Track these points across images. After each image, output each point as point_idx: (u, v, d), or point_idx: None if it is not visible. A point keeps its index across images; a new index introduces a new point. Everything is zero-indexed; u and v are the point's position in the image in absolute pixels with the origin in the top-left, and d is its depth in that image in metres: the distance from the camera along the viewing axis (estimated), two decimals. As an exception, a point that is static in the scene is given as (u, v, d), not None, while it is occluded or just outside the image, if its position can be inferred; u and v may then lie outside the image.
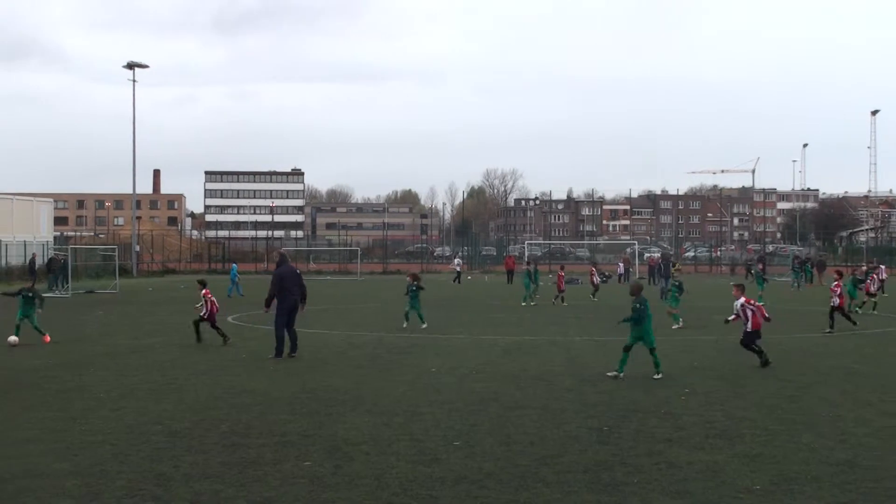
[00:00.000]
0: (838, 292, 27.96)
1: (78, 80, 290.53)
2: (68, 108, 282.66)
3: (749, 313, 19.55)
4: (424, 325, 28.20)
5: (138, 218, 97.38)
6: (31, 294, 24.25)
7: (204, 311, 23.88)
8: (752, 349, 19.58)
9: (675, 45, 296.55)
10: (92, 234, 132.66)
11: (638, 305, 17.90)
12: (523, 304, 39.77)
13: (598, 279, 47.43)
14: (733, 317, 20.20)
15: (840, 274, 29.96)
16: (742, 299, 19.80)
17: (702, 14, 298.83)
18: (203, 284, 24.51)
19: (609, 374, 17.73)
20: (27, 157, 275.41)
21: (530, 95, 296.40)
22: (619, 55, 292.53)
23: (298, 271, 22.00)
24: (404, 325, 28.35)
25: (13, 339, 23.16)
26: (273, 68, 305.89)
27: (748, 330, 19.55)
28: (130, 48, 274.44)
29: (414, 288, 28.89)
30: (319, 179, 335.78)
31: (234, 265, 50.11)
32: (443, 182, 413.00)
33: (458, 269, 69.25)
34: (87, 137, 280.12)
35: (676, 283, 30.93)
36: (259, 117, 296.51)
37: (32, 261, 58.32)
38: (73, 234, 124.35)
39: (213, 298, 24.03)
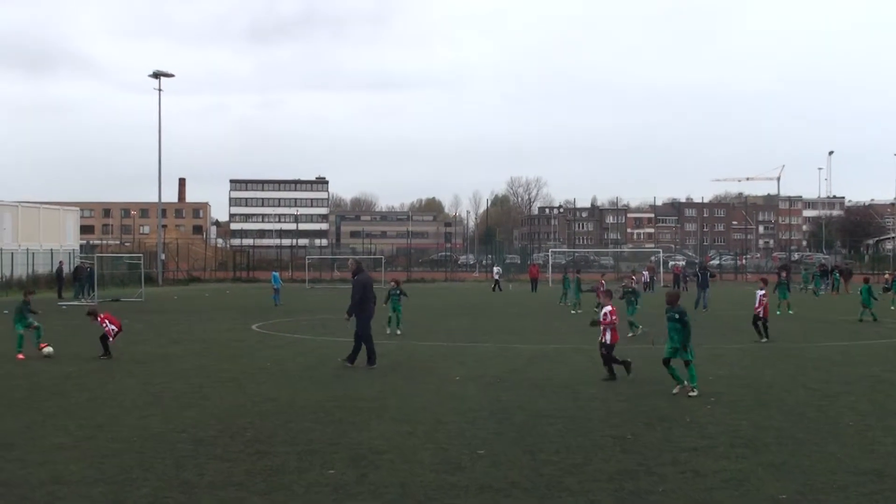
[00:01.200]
0: (765, 302, 27.74)
1: (106, 89, 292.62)
2: (97, 117, 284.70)
3: (609, 326, 18.45)
4: (399, 332, 28.79)
5: (164, 226, 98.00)
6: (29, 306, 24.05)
7: (111, 330, 23.20)
8: (615, 362, 18.52)
9: (701, 53, 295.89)
10: (118, 242, 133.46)
11: (677, 315, 17.03)
12: (572, 312, 39.98)
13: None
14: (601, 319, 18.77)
15: (765, 282, 30.05)
16: (609, 307, 18.68)
17: (729, 22, 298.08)
18: (94, 314, 23.73)
19: (673, 391, 16.63)
20: (54, 166, 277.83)
21: (555, 103, 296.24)
22: (645, 63, 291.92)
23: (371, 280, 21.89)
24: (388, 332, 28.72)
25: (49, 350, 23.14)
26: (299, 77, 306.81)
27: (608, 343, 18.40)
28: (159, 57, 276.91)
29: (396, 293, 29.57)
30: (344, 188, 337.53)
31: (275, 273, 50.23)
32: (467, 190, 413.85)
33: (496, 277, 69.50)
34: (114, 146, 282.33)
35: (630, 290, 30.98)
36: (285, 126, 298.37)
37: (60, 269, 58.72)
38: (99, 242, 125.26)
39: (109, 319, 23.40)
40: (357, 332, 20.94)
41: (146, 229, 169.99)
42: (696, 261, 61.30)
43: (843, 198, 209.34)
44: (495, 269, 76.04)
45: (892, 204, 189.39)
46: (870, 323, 33.83)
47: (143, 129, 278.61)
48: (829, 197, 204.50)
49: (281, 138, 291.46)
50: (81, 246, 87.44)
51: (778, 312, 36.93)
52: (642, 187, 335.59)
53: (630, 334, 27.71)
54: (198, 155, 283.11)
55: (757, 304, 27.29)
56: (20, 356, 22.74)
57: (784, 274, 43.88)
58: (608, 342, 18.47)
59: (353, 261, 22.71)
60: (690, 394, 16.45)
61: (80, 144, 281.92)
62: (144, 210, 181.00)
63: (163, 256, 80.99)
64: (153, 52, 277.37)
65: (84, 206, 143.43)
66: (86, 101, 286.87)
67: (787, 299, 39.43)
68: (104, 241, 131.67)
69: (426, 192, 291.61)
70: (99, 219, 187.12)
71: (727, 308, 43.46)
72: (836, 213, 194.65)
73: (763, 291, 27.66)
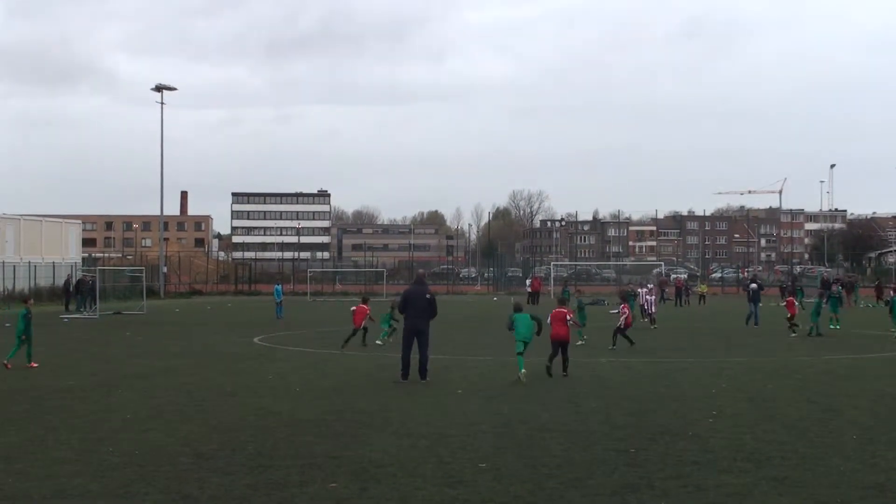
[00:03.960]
0: (626, 314, 28.99)
1: (116, 104, 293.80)
2: (106, 132, 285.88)
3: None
4: (379, 342, 29.48)
5: (166, 239, 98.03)
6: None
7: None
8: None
9: (704, 69, 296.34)
10: (120, 255, 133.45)
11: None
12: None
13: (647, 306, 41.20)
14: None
15: (625, 298, 31.34)
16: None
17: (728, 37, 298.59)
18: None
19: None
20: (57, 179, 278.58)
21: (556, 117, 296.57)
22: (647, 78, 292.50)
23: (429, 295, 20.94)
24: (379, 342, 29.47)
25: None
26: (313, 92, 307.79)
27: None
28: (175, 72, 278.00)
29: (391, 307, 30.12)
30: (346, 201, 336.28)
31: (278, 286, 49.91)
32: (469, 204, 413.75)
33: (528, 289, 67.82)
34: (119, 160, 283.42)
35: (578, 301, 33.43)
36: (294, 140, 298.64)
37: (67, 282, 58.78)
38: (101, 255, 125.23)
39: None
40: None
41: (148, 242, 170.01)
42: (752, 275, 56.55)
43: (846, 211, 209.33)
44: (527, 281, 74.67)
45: (895, 217, 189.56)
46: (874, 337, 33.79)
47: (151, 142, 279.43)
48: (831, 210, 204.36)
49: (289, 152, 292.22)
50: (83, 259, 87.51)
51: (832, 326, 37.04)
52: (644, 200, 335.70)
53: (579, 342, 28.70)
54: (204, 168, 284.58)
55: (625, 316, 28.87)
56: (8, 365, 22.85)
57: (834, 288, 43.40)
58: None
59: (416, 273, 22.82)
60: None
61: (85, 158, 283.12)
62: (146, 223, 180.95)
63: (165, 269, 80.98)
64: (169, 67, 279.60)
65: (86, 220, 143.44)
66: (95, 115, 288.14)
67: (838, 313, 39.09)
68: (106, 254, 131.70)
69: (428, 206, 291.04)
70: (101, 232, 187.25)
71: (728, 322, 43.42)
72: (838, 226, 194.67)
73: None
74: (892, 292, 41.30)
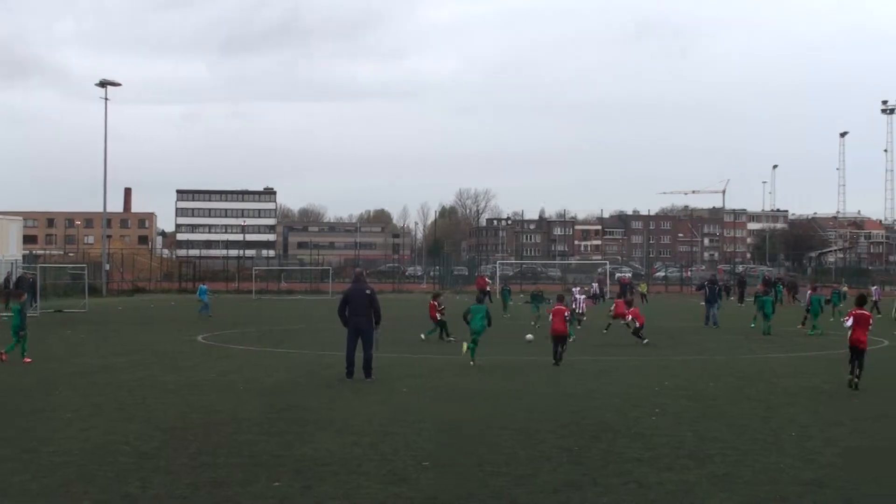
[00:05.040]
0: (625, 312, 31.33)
1: (60, 99, 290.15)
2: (48, 126, 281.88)
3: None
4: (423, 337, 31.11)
5: (108, 237, 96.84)
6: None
7: None
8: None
9: (647, 68, 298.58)
10: (61, 252, 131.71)
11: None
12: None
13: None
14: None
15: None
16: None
17: (672, 38, 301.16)
18: None
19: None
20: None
21: (503, 116, 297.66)
22: (591, 77, 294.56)
23: (369, 291, 21.01)
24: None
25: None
26: (259, 88, 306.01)
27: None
28: (124, 67, 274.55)
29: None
30: (292, 198, 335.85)
31: (203, 286, 49.38)
32: (415, 202, 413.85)
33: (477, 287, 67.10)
34: (63, 156, 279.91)
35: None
36: (240, 137, 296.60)
37: (7, 279, 57.84)
38: (42, 252, 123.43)
39: None
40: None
41: (91, 239, 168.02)
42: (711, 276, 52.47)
43: (787, 211, 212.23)
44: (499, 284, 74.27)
45: (835, 217, 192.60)
46: (814, 335, 34.31)
47: (98, 139, 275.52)
48: (773, 210, 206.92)
49: (240, 150, 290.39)
50: (24, 256, 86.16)
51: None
52: (590, 200, 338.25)
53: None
54: (152, 165, 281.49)
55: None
56: (4, 357, 23.40)
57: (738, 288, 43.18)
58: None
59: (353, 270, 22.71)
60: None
61: (28, 154, 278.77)
62: (89, 220, 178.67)
63: (107, 267, 79.98)
64: (125, 63, 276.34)
65: (27, 216, 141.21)
66: (40, 110, 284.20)
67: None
68: (47, 252, 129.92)
69: (375, 204, 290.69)
70: (43, 229, 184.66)
71: (672, 321, 43.81)
72: (779, 226, 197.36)
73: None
74: (809, 291, 41.67)
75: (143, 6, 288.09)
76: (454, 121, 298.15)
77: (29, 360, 23.53)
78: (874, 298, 48.32)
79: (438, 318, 31.36)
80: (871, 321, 19.90)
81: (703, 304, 41.45)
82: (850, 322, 19.48)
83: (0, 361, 23.05)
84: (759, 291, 39.89)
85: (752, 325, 37.61)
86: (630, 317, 30.62)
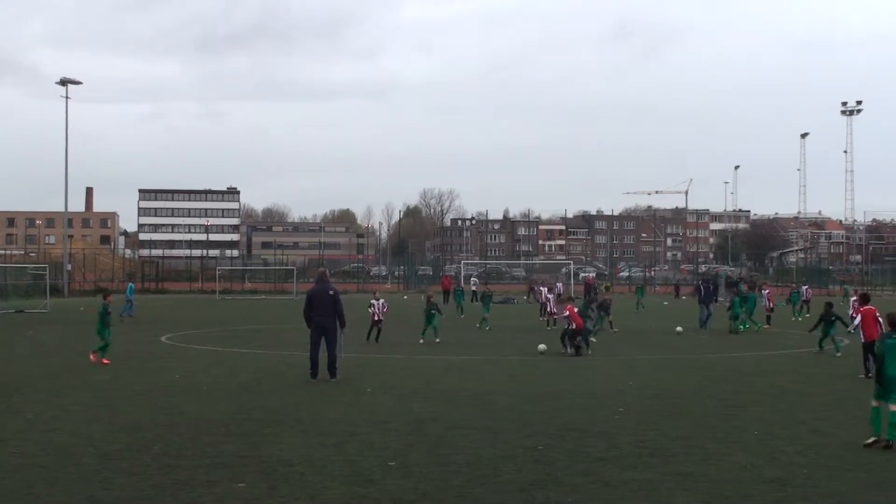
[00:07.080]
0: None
1: (24, 97, 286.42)
2: (9, 125, 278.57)
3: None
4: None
5: (70, 236, 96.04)
6: None
7: None
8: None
9: (611, 69, 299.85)
10: (22, 252, 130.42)
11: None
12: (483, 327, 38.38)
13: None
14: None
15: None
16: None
17: (636, 38, 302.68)
18: None
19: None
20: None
21: (467, 116, 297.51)
22: (556, 80, 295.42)
23: (333, 291, 20.92)
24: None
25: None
26: (230, 87, 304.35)
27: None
28: (94, 65, 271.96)
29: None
30: (255, 198, 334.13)
31: (131, 284, 48.34)
32: (380, 202, 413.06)
33: (474, 288, 65.58)
34: (24, 155, 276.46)
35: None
36: (207, 136, 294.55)
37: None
38: (2, 252, 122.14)
39: None
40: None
41: (52, 239, 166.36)
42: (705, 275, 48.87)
43: (749, 212, 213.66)
44: (472, 279, 73.93)
45: (796, 218, 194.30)
46: (778, 334, 34.59)
47: (61, 137, 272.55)
48: (735, 211, 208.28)
49: (207, 149, 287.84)
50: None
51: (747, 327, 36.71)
52: (554, 200, 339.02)
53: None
54: (116, 165, 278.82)
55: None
56: (94, 357, 23.72)
57: (712, 288, 42.39)
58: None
59: (315, 270, 22.49)
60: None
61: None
62: (50, 220, 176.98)
63: (69, 267, 79.40)
64: (96, 61, 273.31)
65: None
66: (2, 109, 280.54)
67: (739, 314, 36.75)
68: (8, 252, 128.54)
69: (339, 204, 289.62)
70: (3, 228, 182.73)
71: (637, 320, 44.01)
72: (741, 226, 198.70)
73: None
74: (758, 290, 41.92)
75: (119, 5, 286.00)
76: (418, 121, 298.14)
77: (107, 361, 23.53)
78: (804, 298, 48.50)
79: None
80: (878, 315, 19.82)
81: (699, 304, 39.30)
82: (857, 320, 19.65)
83: (101, 364, 23.12)
84: (744, 291, 39.46)
85: (755, 327, 37.26)
86: (567, 313, 27.18)
